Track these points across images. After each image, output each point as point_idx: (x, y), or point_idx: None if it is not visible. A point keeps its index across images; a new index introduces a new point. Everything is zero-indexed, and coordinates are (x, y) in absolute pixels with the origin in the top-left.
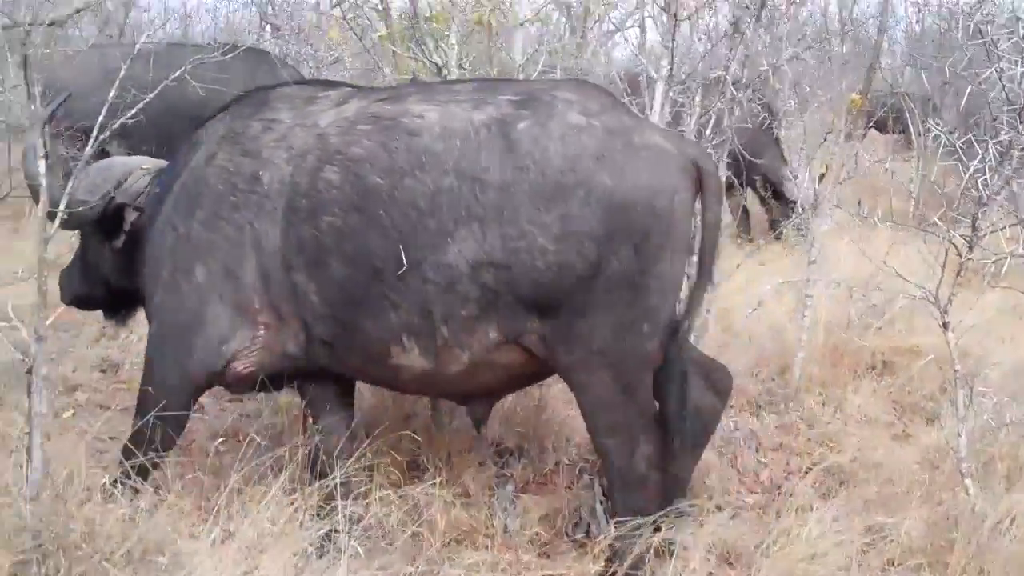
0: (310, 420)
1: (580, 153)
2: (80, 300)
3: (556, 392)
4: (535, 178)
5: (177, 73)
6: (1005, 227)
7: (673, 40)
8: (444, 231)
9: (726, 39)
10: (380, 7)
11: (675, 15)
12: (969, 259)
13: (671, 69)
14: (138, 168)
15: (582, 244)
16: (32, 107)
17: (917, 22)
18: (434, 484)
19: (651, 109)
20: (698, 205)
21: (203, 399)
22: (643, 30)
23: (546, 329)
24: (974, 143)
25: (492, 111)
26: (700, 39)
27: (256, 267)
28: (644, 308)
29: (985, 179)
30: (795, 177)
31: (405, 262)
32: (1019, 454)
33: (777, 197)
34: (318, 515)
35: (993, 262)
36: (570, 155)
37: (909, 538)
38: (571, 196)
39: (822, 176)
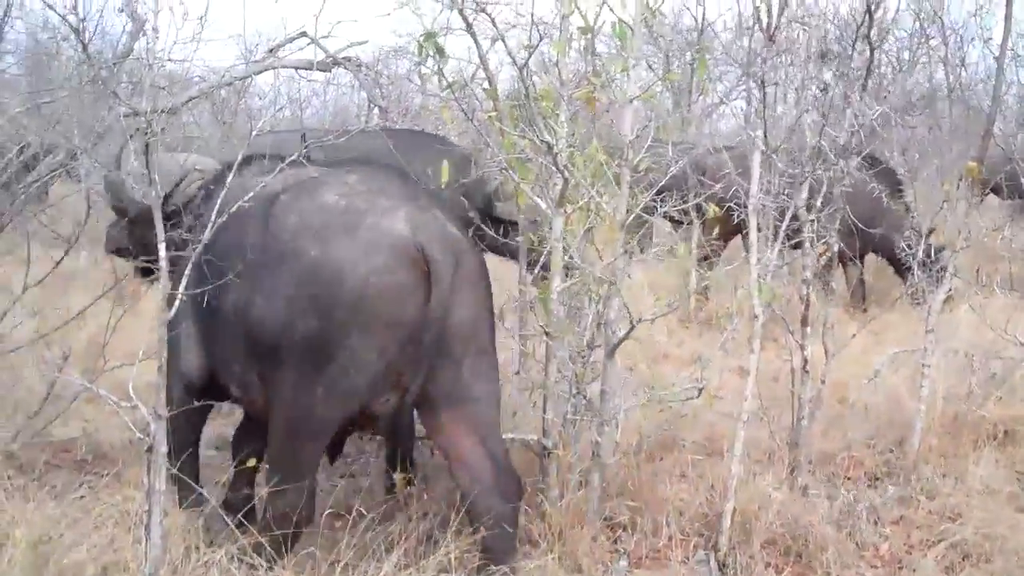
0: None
1: (306, 227)
2: (118, 252)
3: (667, 466)
4: (273, 245)
5: None
6: None
7: (764, 107)
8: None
9: (824, 106)
10: (487, 87)
11: (762, 81)
12: None
13: (765, 138)
14: (193, 170)
15: (281, 305)
16: (152, 193)
17: None
18: (547, 558)
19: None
20: None
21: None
22: (749, 102)
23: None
24: None
25: (278, 186)
26: (808, 110)
27: None
28: (322, 374)
29: None
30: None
31: None
32: None
33: (895, 266)
34: None
35: None
36: (297, 228)
37: None
38: (286, 263)
39: (940, 246)
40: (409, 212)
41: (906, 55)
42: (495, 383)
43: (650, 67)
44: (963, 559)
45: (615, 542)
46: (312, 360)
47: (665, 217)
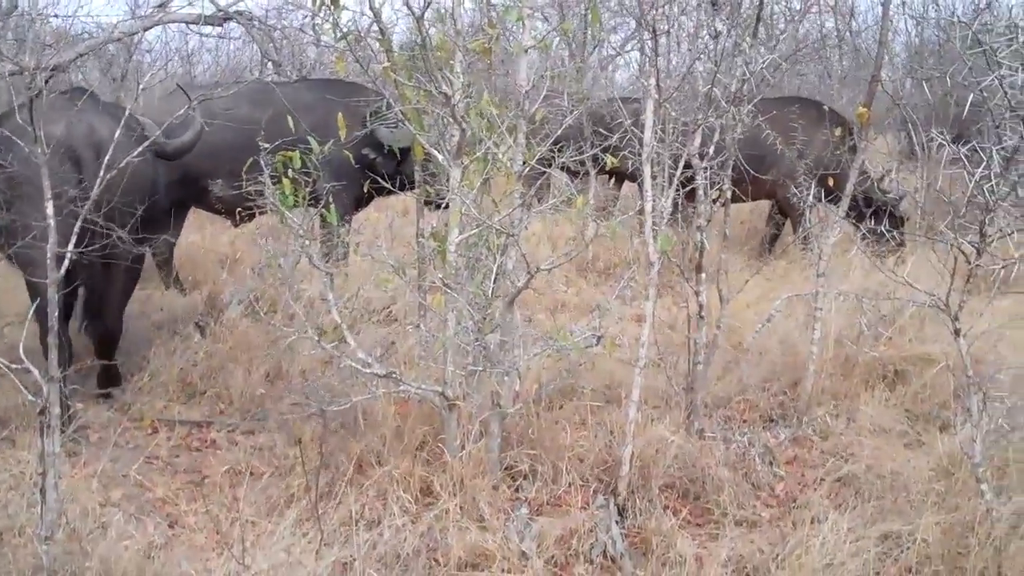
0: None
1: None
2: None
3: (567, 414)
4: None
5: None
6: (1013, 232)
7: (656, 56)
8: None
9: (717, 55)
10: (382, 38)
11: (654, 30)
12: (978, 266)
13: (658, 86)
14: None
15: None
16: (39, 150)
17: (916, 35)
18: (448, 509)
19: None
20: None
21: (215, 435)
22: (643, 52)
23: None
24: (978, 150)
25: None
26: (699, 57)
27: None
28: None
29: (991, 186)
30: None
31: None
32: None
33: (786, 212)
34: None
35: (1002, 268)
36: None
37: (925, 545)
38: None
39: (827, 189)
40: (67, 121)
41: (797, 4)
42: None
43: (545, 18)
44: (854, 495)
45: (516, 490)
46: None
47: (562, 168)
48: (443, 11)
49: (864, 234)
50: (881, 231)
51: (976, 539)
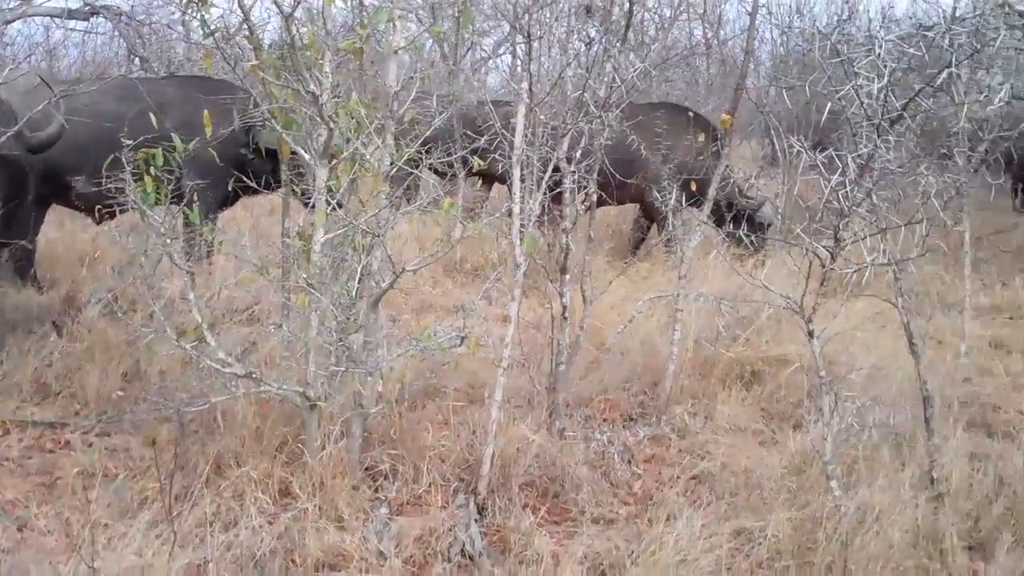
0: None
1: None
2: None
3: (430, 413)
4: None
5: None
6: (866, 237)
7: (529, 60)
8: None
9: (588, 61)
10: (250, 36)
11: (528, 35)
12: (832, 269)
13: (530, 90)
14: None
15: None
16: None
17: (781, 44)
18: (306, 510)
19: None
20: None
21: (69, 436)
22: (515, 56)
23: None
24: (835, 158)
25: None
26: (570, 63)
27: None
28: None
29: (846, 192)
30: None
31: None
32: (881, 455)
33: (650, 215)
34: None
35: (855, 272)
36: None
37: (776, 540)
38: None
39: (692, 193)
40: None
41: (667, 12)
42: None
43: (419, 20)
44: (710, 492)
45: (376, 490)
46: None
47: (430, 169)
48: (313, 11)
49: (724, 238)
50: (740, 235)
51: (824, 534)
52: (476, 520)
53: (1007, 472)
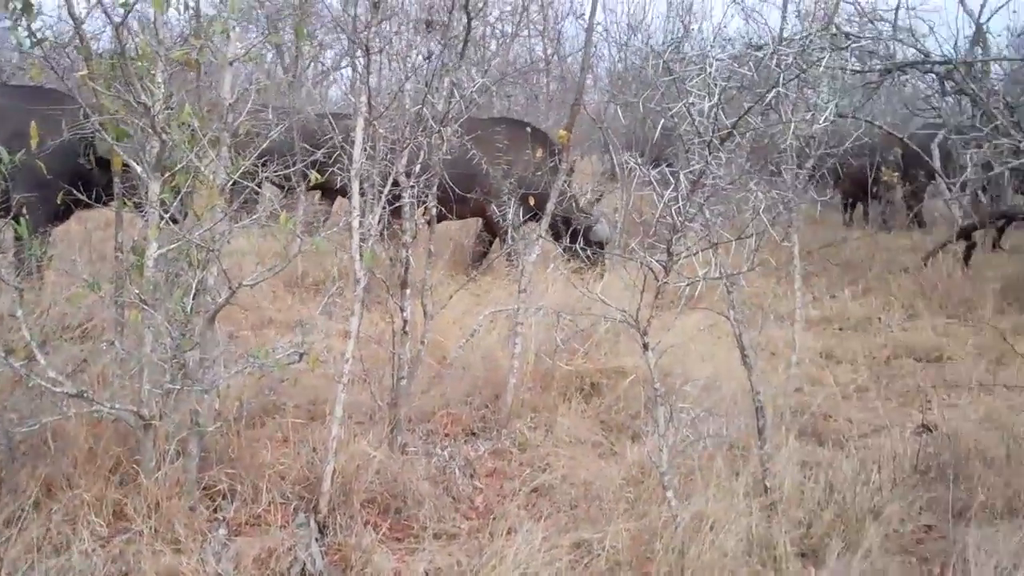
0: None
1: None
2: None
3: (269, 431)
4: None
5: None
6: (698, 252)
7: (368, 73)
8: None
9: (427, 75)
10: (80, 46)
11: (367, 48)
12: (665, 283)
13: (369, 104)
14: None
15: None
16: None
17: (619, 61)
18: (141, 532)
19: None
20: None
21: None
22: (355, 70)
23: None
24: (668, 173)
25: None
26: (409, 77)
27: None
28: None
29: (678, 207)
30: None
31: None
32: (715, 464)
33: (491, 230)
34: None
35: (687, 285)
36: None
37: (615, 551)
38: None
39: (531, 209)
40: None
41: (509, 28)
42: None
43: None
44: (550, 505)
45: (215, 511)
46: None
47: (271, 182)
48: (145, 20)
49: (561, 252)
50: (577, 250)
51: (661, 543)
52: (317, 539)
53: (837, 480)
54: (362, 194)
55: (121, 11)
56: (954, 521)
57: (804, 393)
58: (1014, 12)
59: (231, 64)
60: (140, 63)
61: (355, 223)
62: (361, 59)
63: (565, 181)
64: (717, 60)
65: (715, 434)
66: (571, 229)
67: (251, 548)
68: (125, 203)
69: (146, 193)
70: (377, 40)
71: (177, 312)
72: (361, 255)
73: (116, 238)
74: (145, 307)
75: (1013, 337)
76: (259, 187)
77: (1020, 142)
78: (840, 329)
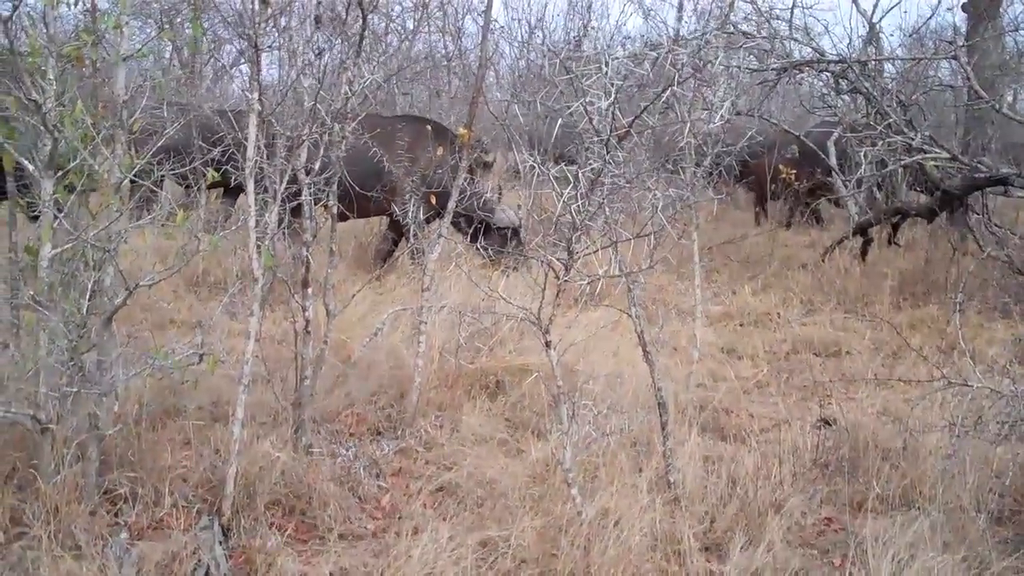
0: None
1: None
2: None
3: (171, 433)
4: None
5: None
6: (598, 250)
7: (258, 69)
8: None
9: (320, 72)
10: None
11: (256, 45)
12: (566, 280)
13: (261, 100)
14: None
15: None
16: None
17: (521, 59)
18: (39, 538)
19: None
20: None
21: None
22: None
23: None
24: (567, 172)
25: None
26: (301, 73)
27: None
28: None
29: (578, 206)
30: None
31: None
32: (619, 460)
33: (395, 229)
34: None
35: (588, 283)
36: None
37: (521, 548)
38: None
39: (431, 205)
40: None
41: (410, 24)
42: None
43: (157, 25)
44: (456, 504)
45: (116, 515)
46: None
47: (172, 179)
48: (34, 15)
49: (464, 249)
50: (479, 248)
51: (567, 540)
52: (220, 542)
53: (739, 474)
54: (259, 192)
55: (10, 5)
56: (853, 513)
57: (706, 388)
58: (905, 12)
59: (125, 60)
60: (31, 59)
61: (251, 222)
62: (253, 55)
63: (466, 179)
64: (614, 59)
65: (618, 430)
66: (474, 226)
67: (153, 552)
68: (18, 203)
69: (39, 192)
70: (272, 35)
71: (73, 313)
72: (259, 254)
73: (10, 238)
74: (40, 309)
75: (908, 331)
76: (158, 185)
77: (913, 140)
78: (741, 325)
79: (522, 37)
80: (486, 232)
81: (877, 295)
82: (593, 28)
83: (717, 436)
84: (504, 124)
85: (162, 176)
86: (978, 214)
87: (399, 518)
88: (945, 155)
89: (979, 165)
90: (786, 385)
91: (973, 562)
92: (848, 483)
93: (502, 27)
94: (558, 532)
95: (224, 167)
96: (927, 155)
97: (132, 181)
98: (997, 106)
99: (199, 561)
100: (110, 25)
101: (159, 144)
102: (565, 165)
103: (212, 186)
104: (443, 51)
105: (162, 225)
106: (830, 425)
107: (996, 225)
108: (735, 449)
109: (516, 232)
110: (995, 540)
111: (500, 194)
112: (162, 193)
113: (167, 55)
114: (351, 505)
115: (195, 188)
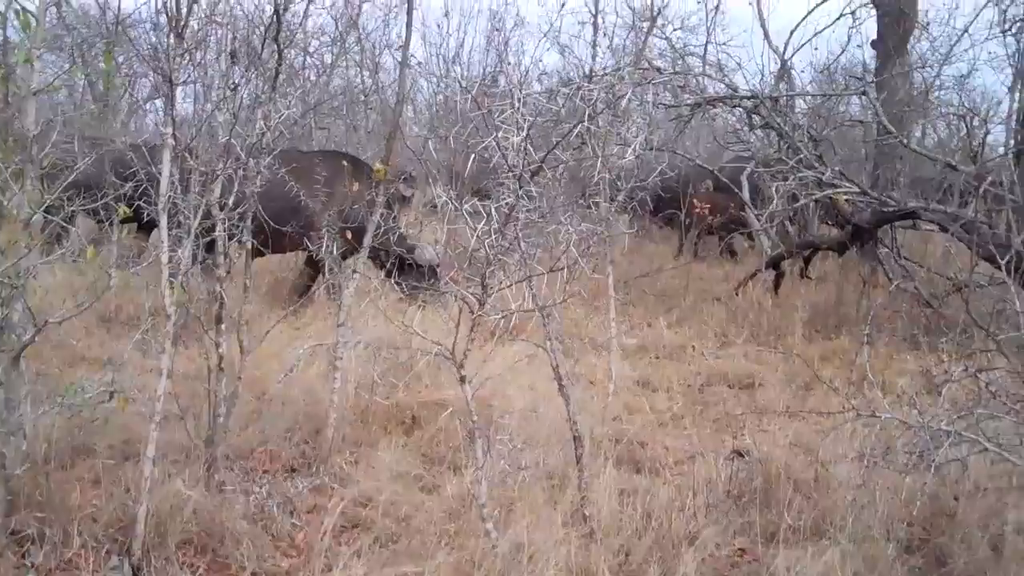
0: None
1: None
2: None
3: (80, 473)
4: None
5: None
6: (511, 284)
7: (172, 106)
8: None
9: (235, 106)
10: None
11: (171, 80)
12: (481, 315)
13: (174, 135)
14: None
15: None
16: None
17: (438, 94)
18: None
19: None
20: None
21: None
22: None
23: None
24: (479, 208)
25: None
26: (215, 108)
27: None
28: None
29: (491, 240)
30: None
31: None
32: (535, 494)
33: (313, 266)
34: None
35: (502, 317)
36: None
37: None
38: None
39: (348, 241)
40: None
41: (328, 58)
42: None
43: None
44: (374, 541)
45: (23, 556)
46: None
47: (85, 214)
48: None
49: (378, 285)
50: (394, 284)
51: (481, 574)
52: None
53: (654, 506)
54: (172, 227)
55: None
56: (766, 543)
57: (622, 421)
58: (816, 49)
59: (35, 94)
60: None
61: (164, 257)
62: (166, 90)
63: (383, 214)
64: (526, 95)
65: (534, 464)
66: (393, 261)
67: None
68: None
69: None
70: (188, 70)
71: None
72: (172, 290)
73: None
74: None
75: (820, 364)
76: (69, 220)
77: (823, 174)
78: (656, 357)
79: (439, 72)
80: (403, 267)
81: (789, 328)
82: (510, 64)
83: (632, 469)
84: (421, 159)
85: (73, 211)
86: (887, 247)
87: (312, 555)
88: (855, 189)
89: (888, 199)
90: (700, 417)
91: None
92: (761, 514)
93: (419, 62)
94: (473, 567)
95: (137, 202)
96: (837, 189)
97: (43, 216)
98: (905, 141)
99: None
100: (20, 60)
101: (70, 179)
102: (480, 200)
103: (125, 221)
104: (360, 86)
105: (73, 261)
106: (743, 457)
107: (905, 258)
108: (650, 482)
109: (434, 270)
110: (904, 568)
111: (420, 229)
112: (73, 229)
113: (80, 89)
114: (264, 543)
115: (107, 223)
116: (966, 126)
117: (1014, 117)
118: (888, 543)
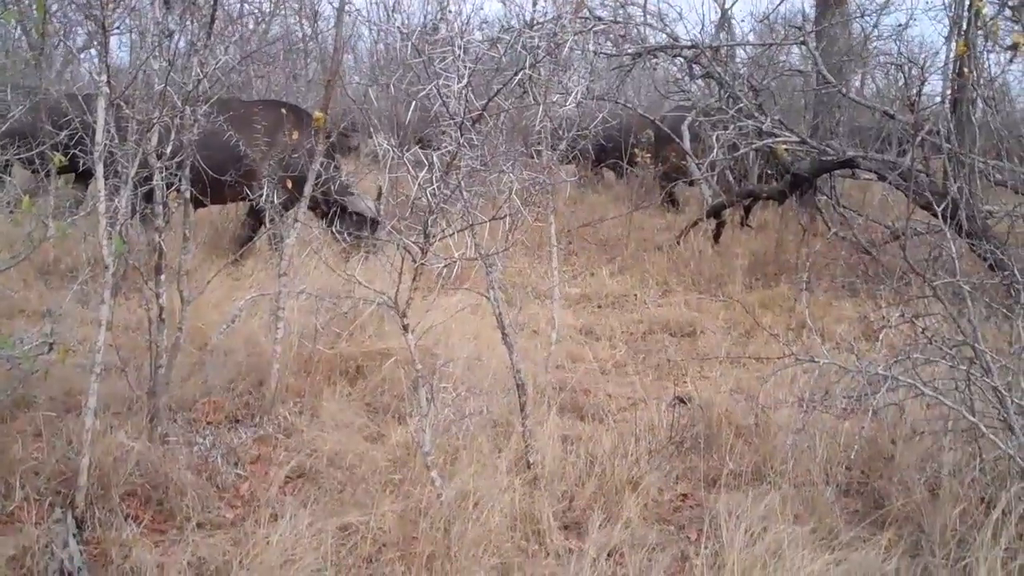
0: None
1: None
2: None
3: (21, 426)
4: None
5: None
6: (454, 233)
7: (106, 53)
8: None
9: (171, 54)
10: None
11: (104, 26)
12: (423, 264)
13: (109, 83)
14: None
15: None
16: None
17: (379, 42)
18: None
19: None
20: None
21: None
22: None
23: None
24: (422, 157)
25: None
26: (150, 55)
27: None
28: None
29: (432, 189)
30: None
31: None
32: (479, 443)
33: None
34: None
35: (444, 266)
36: None
37: (382, 532)
38: None
39: (289, 190)
40: None
41: (267, 6)
42: None
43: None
44: (317, 490)
45: None
46: None
47: (21, 164)
48: None
49: (320, 234)
50: (333, 232)
51: (427, 523)
52: (74, 535)
53: (597, 453)
54: (107, 177)
55: None
56: (707, 488)
57: (564, 369)
58: None
59: None
60: None
61: (102, 207)
62: (100, 38)
63: (323, 163)
64: (467, 42)
65: (478, 412)
66: (332, 210)
67: (4, 547)
68: None
69: None
70: (122, 16)
71: None
72: (110, 240)
73: None
74: None
75: (760, 311)
76: (4, 170)
77: (763, 124)
78: (598, 306)
79: (380, 20)
80: (343, 216)
81: (730, 276)
82: (451, 12)
83: (575, 416)
84: (362, 108)
85: (8, 161)
86: (826, 196)
87: (258, 506)
88: (794, 138)
89: (827, 148)
90: (642, 365)
91: (822, 532)
92: (703, 459)
93: (359, 10)
94: (418, 515)
95: (72, 151)
96: (777, 138)
97: None
98: (844, 91)
99: (52, 555)
100: None
101: (3, 128)
102: (422, 149)
103: (61, 171)
104: (300, 34)
105: (9, 212)
106: (685, 403)
107: (843, 206)
108: (593, 429)
109: (374, 219)
110: (843, 511)
111: (361, 178)
112: (8, 178)
113: (15, 38)
114: (209, 494)
115: (43, 173)
116: (904, 76)
117: (950, 66)
118: (827, 486)
